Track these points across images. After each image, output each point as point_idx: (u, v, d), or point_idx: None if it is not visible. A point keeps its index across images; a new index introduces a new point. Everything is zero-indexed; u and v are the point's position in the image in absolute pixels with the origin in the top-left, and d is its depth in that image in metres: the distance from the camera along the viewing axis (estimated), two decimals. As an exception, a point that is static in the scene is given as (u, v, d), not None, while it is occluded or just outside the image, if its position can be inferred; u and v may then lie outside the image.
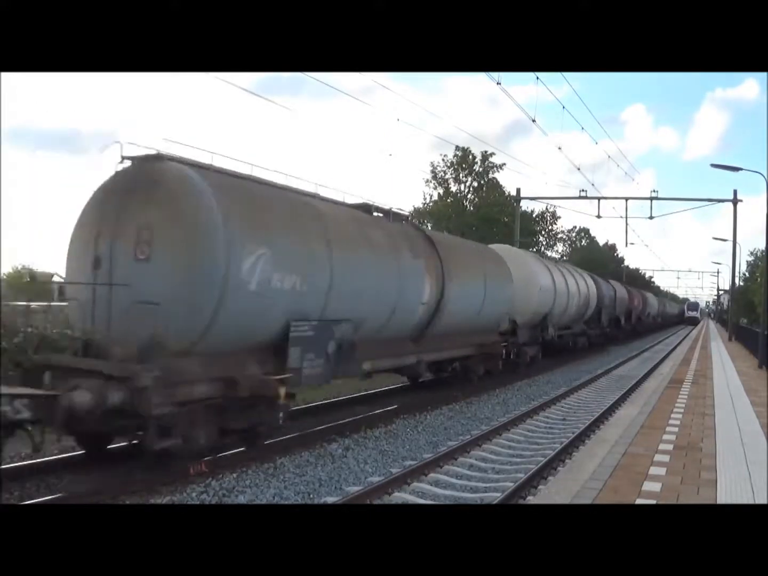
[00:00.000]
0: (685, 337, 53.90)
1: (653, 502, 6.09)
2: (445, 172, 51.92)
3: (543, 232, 64.97)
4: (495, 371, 20.03)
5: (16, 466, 9.09)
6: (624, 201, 36.73)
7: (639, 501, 6.13)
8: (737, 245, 39.73)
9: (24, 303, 10.88)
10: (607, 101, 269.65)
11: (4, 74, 5.76)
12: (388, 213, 14.56)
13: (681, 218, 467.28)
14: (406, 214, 15.93)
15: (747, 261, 71.92)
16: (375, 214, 14.12)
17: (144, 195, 8.91)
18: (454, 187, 52.08)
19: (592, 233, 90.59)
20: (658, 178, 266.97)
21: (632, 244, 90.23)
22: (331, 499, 8.52)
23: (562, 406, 17.11)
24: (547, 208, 61.13)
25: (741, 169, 27.26)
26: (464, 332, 17.23)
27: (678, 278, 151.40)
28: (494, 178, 52.18)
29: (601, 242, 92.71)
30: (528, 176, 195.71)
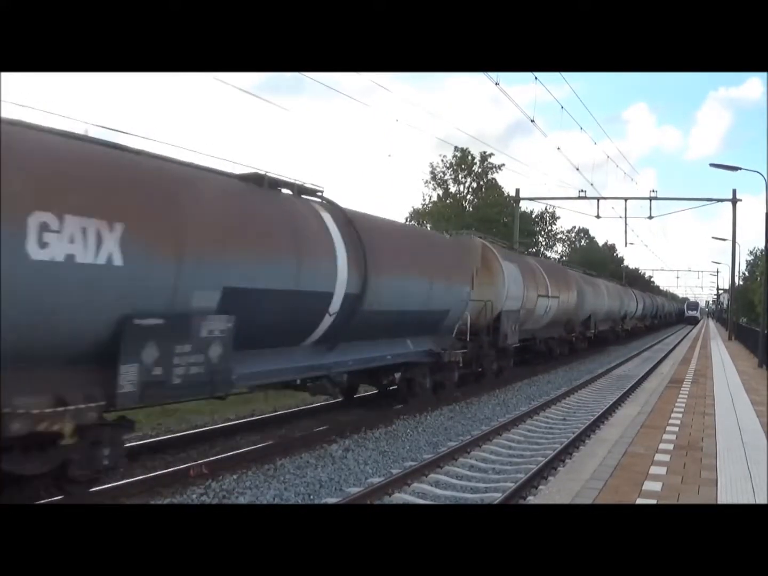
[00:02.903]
0: (684, 337, 53.93)
1: (654, 501, 6.09)
2: (444, 172, 51.99)
3: (542, 233, 65.08)
4: None
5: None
6: (623, 201, 36.77)
7: (639, 501, 6.13)
8: (737, 245, 39.80)
9: None
10: (609, 100, 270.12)
11: (4, 74, 5.76)
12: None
13: (681, 218, 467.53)
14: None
15: (746, 260, 72.12)
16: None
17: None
18: (453, 188, 52.16)
19: (592, 233, 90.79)
20: (659, 177, 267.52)
21: (631, 244, 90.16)
22: (331, 501, 8.51)
23: (562, 406, 17.11)
24: (546, 209, 61.31)
25: (740, 168, 27.33)
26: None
27: (677, 278, 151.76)
28: (493, 178, 52.26)
29: (601, 242, 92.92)
30: (528, 176, 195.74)
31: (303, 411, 14.41)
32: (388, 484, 9.13)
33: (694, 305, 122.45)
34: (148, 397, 7.63)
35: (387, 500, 8.76)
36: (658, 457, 8.03)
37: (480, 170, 52.16)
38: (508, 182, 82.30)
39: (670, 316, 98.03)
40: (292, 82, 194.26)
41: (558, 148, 47.21)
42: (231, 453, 10.26)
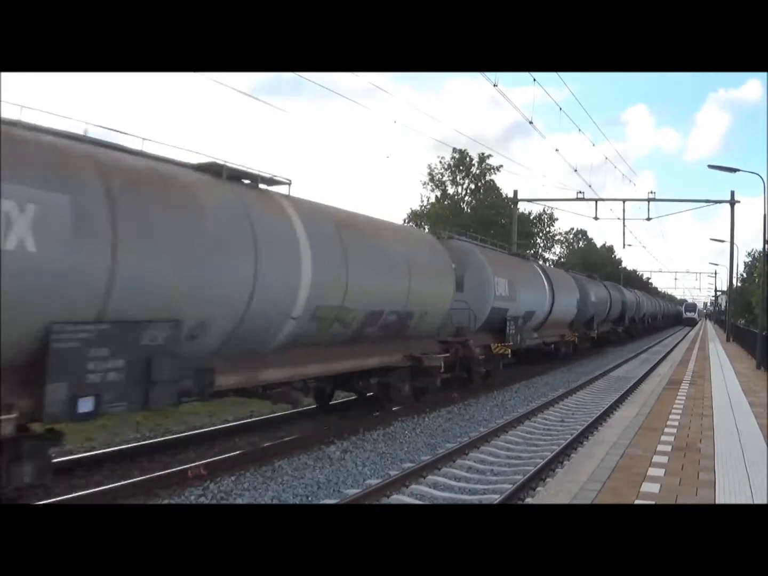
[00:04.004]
0: (683, 338, 54.00)
1: (652, 503, 6.09)
2: (442, 174, 52.00)
3: (540, 234, 65.10)
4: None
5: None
6: (621, 202, 36.76)
7: (638, 503, 6.12)
8: (735, 246, 39.83)
9: None
10: (609, 102, 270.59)
11: (4, 74, 5.75)
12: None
13: (680, 219, 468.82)
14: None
15: (744, 262, 72.25)
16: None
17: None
18: (451, 190, 52.15)
19: (590, 235, 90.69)
20: (658, 179, 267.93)
21: (629, 245, 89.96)
22: (329, 502, 8.50)
23: (561, 408, 17.12)
24: (544, 210, 61.30)
25: (738, 170, 27.45)
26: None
27: (676, 279, 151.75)
28: (491, 180, 52.24)
29: (599, 244, 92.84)
30: (526, 178, 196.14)
31: (302, 413, 14.39)
32: (386, 485, 9.12)
33: (692, 307, 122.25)
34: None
35: (385, 502, 8.75)
36: (657, 458, 8.03)
37: (478, 172, 52.16)
38: (506, 184, 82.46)
39: (655, 320, 68.74)
40: (291, 84, 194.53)
41: (556, 150, 47.19)
42: (229, 454, 10.26)
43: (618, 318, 42.31)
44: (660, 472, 7.34)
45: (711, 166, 28.47)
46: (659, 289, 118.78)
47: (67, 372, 6.89)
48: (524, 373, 22.95)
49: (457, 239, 19.67)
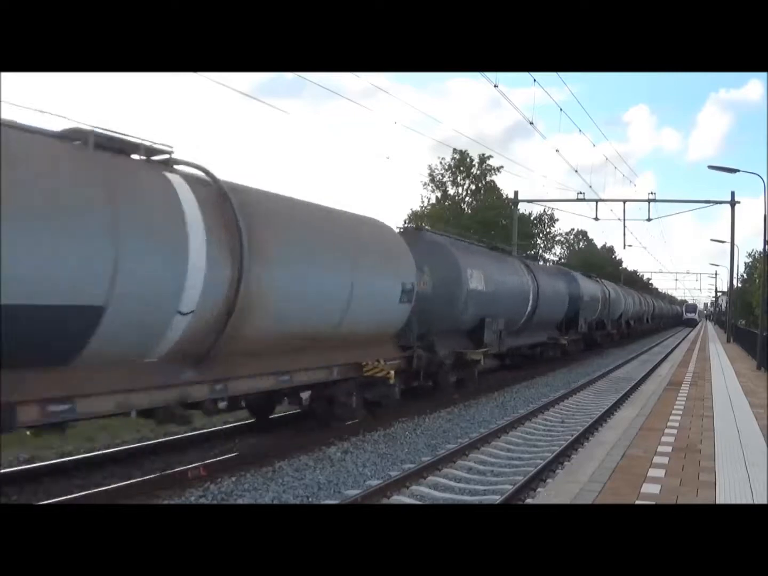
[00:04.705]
0: (683, 339, 53.99)
1: (653, 503, 6.09)
2: (442, 175, 52.06)
3: (541, 235, 65.15)
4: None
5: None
6: (622, 203, 36.73)
7: (638, 503, 6.12)
8: (735, 247, 39.81)
9: None
10: (610, 102, 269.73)
11: (4, 74, 5.74)
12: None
13: (680, 220, 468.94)
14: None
15: (745, 262, 72.32)
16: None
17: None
18: (451, 190, 52.21)
19: (590, 236, 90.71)
20: (659, 179, 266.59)
21: (630, 246, 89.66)
22: (330, 503, 8.49)
23: (561, 409, 17.10)
24: (545, 211, 61.35)
25: (738, 170, 27.43)
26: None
27: (676, 280, 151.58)
28: (492, 180, 52.28)
29: (599, 245, 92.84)
30: (527, 179, 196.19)
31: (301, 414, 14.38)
32: (387, 486, 9.12)
33: (693, 308, 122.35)
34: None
35: (385, 503, 8.74)
36: (657, 459, 8.03)
37: (479, 172, 52.21)
38: (506, 184, 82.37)
39: (641, 323, 54.60)
40: (290, 84, 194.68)
41: (557, 151, 47.05)
42: (229, 455, 10.25)
43: (567, 321, 28.25)
44: (660, 473, 7.34)
45: (711, 167, 28.53)
46: (660, 290, 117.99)
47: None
48: (523, 374, 22.92)
49: None
